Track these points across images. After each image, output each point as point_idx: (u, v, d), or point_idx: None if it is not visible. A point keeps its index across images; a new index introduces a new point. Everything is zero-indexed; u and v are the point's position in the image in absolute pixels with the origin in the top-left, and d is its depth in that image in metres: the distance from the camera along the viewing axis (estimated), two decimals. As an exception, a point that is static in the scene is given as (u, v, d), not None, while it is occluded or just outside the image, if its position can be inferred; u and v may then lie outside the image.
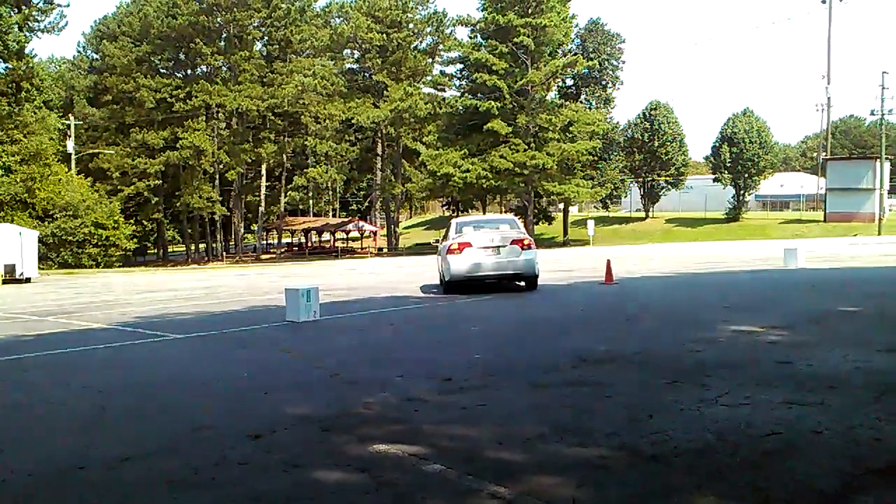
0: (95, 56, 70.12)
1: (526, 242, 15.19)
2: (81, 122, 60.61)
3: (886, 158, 58.62)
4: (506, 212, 69.45)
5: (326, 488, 3.77)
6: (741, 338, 7.97)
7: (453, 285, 15.40)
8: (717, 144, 61.44)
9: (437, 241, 17.85)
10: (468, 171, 53.67)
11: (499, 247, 15.05)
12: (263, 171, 66.94)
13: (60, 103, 65.46)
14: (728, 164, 59.99)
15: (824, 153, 69.81)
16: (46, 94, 61.01)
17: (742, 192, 61.82)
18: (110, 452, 4.58)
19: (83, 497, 3.83)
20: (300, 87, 60.53)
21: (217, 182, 63.42)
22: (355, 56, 69.21)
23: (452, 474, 3.85)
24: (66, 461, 4.43)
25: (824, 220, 57.06)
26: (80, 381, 7.24)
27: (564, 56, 58.90)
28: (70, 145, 55.25)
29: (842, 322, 8.93)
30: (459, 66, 64.63)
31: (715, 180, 62.90)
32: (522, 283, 15.99)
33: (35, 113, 50.21)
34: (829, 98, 66.19)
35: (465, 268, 14.99)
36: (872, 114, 57.89)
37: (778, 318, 9.25)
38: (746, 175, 60.24)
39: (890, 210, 60.46)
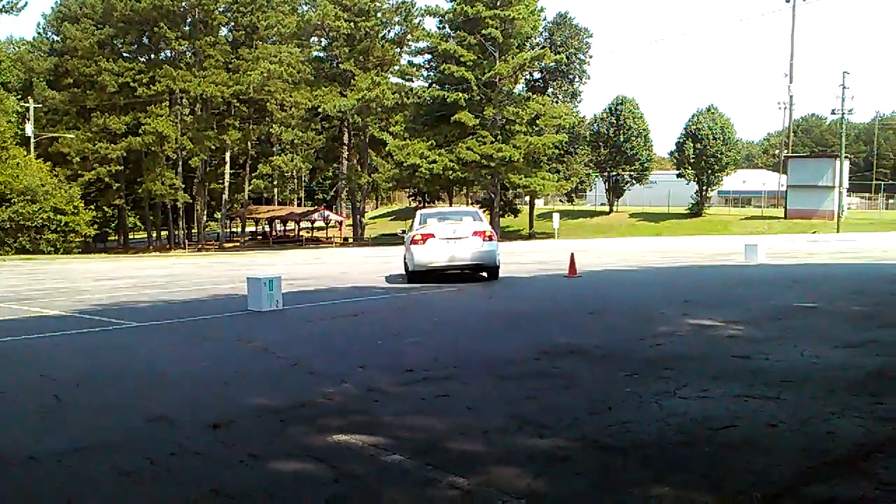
0: (56, 38, 68.61)
1: (487, 234, 15.72)
2: (41, 105, 59.31)
3: (846, 157, 59.73)
4: (472, 204, 69.57)
5: (285, 479, 3.74)
6: (700, 332, 8.08)
7: (416, 275, 15.88)
8: (682, 140, 62.02)
9: (404, 231, 18.06)
10: (435, 162, 53.59)
11: (460, 238, 15.56)
12: (227, 159, 66.18)
13: (19, 85, 63.98)
14: (692, 160, 60.61)
15: (786, 151, 70.99)
16: (5, 76, 59.66)
17: (705, 187, 62.53)
18: (63, 443, 4.50)
19: (34, 488, 3.75)
20: (266, 74, 59.83)
21: (180, 169, 62.52)
22: (322, 44, 68.60)
23: (412, 465, 3.85)
24: (17, 452, 4.33)
25: (785, 217, 57.99)
26: (34, 370, 7.09)
27: (532, 49, 59.07)
28: (29, 128, 54.07)
29: (799, 318, 9.08)
30: (427, 56, 64.39)
31: (679, 176, 63.52)
32: (485, 274, 16.33)
33: (-8, 95, 49.09)
34: (791, 97, 67.29)
35: (428, 258, 15.55)
36: (833, 113, 58.92)
37: (737, 312, 9.38)
38: (710, 171, 60.90)
39: (848, 208, 61.66)
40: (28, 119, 54.67)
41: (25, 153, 51.57)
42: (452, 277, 16.41)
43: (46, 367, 7.22)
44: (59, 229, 47.45)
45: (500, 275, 16.64)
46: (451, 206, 63.45)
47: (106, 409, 5.39)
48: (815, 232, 48.48)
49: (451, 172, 53.88)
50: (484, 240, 15.63)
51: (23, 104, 55.71)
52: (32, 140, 54.15)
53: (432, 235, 15.64)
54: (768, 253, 21.22)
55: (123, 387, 6.18)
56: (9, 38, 78.41)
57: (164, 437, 4.55)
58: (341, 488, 3.58)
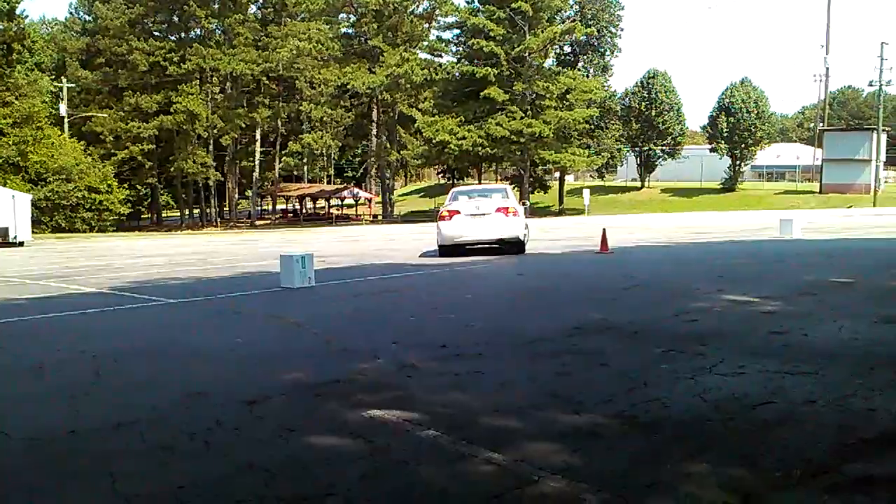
0: (88, 18, 69.22)
1: (511, 210, 16.43)
2: (74, 85, 59.98)
3: (883, 130, 58.55)
4: (501, 180, 69.33)
5: (320, 454, 3.77)
6: (736, 308, 7.98)
7: (446, 249, 16.79)
8: (715, 114, 61.18)
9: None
10: (464, 138, 53.42)
11: (484, 214, 16.37)
12: (258, 137, 66.50)
13: (52, 65, 64.76)
14: (725, 134, 59.80)
15: (821, 124, 69.71)
16: (38, 56, 60.43)
17: (738, 162, 61.74)
18: (103, 418, 4.57)
19: (75, 461, 3.82)
20: (295, 52, 59.87)
21: (211, 147, 62.96)
22: (351, 20, 68.48)
23: (447, 440, 3.86)
24: (59, 426, 4.41)
25: (820, 192, 57.13)
26: (72, 346, 7.21)
27: (563, 23, 58.38)
28: (63, 108, 54.76)
29: (836, 293, 8.94)
30: (456, 31, 64.10)
31: (711, 150, 62.77)
32: (516, 250, 16.77)
33: (27, 75, 49.80)
34: (827, 69, 66.15)
35: (453, 233, 16.48)
36: (870, 85, 57.76)
37: (773, 288, 9.27)
38: (743, 145, 60.11)
39: (885, 182, 60.51)
40: (62, 99, 55.37)
41: (60, 133, 52.27)
42: (485, 252, 16.82)
43: (85, 343, 7.34)
44: (93, 208, 48.19)
45: (532, 251, 17.08)
46: (479, 182, 63.36)
47: (143, 385, 5.47)
48: (850, 206, 47.69)
49: (480, 149, 53.68)
50: (507, 216, 16.33)
51: (56, 84, 56.36)
52: (66, 120, 54.84)
53: (458, 212, 16.49)
54: (803, 228, 20.93)
55: (160, 363, 6.27)
56: (42, 18, 79.43)
57: (201, 412, 4.61)
58: (376, 463, 3.60)
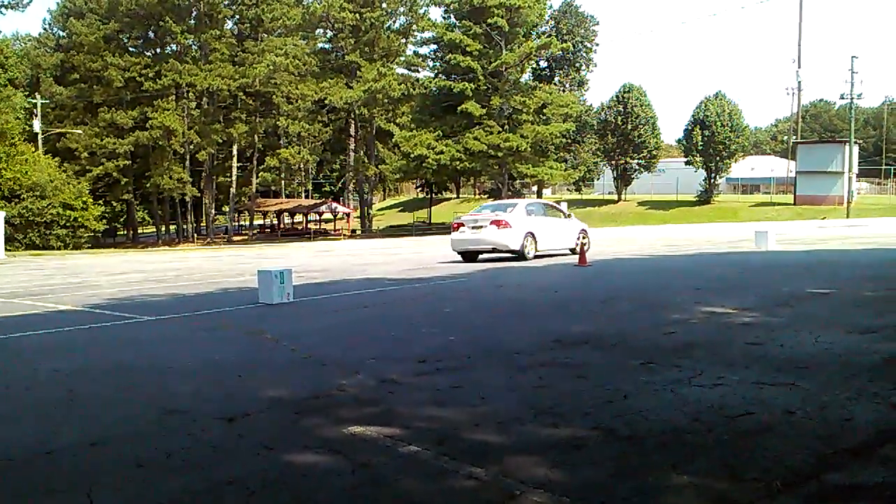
0: (62, 33, 68.83)
1: (503, 223, 18.58)
2: (48, 101, 59.49)
3: (855, 142, 59.41)
4: (480, 194, 69.50)
5: (301, 471, 3.74)
6: (713, 319, 8.03)
7: (460, 255, 19.70)
8: (690, 127, 61.71)
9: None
10: (442, 152, 53.52)
11: (480, 227, 18.86)
12: (235, 152, 66.26)
13: (26, 81, 64.18)
14: (700, 147, 60.31)
15: (794, 137, 70.62)
16: (12, 72, 59.70)
17: (713, 175, 62.26)
18: (79, 437, 4.51)
19: (52, 481, 3.76)
20: (272, 67, 59.80)
21: (187, 163, 62.63)
22: (328, 36, 68.51)
23: (428, 455, 3.84)
24: (34, 446, 4.34)
25: (794, 203, 57.74)
26: (47, 365, 7.10)
27: (538, 38, 58.82)
28: (36, 124, 54.22)
29: (812, 304, 9.03)
30: (433, 46, 64.33)
31: (687, 163, 63.24)
32: (515, 257, 18.89)
33: (0, 91, 49.17)
34: (799, 82, 67.14)
35: (458, 241, 19.44)
36: (842, 98, 58.47)
37: (749, 299, 9.34)
38: (718, 158, 60.63)
39: (858, 193, 61.34)
40: (35, 115, 54.82)
41: (34, 149, 51.71)
42: (469, 266, 17.54)
43: (61, 361, 7.24)
44: (68, 224, 47.63)
45: (511, 265, 17.66)
46: (457, 196, 63.55)
47: (120, 403, 5.40)
48: (824, 218, 48.28)
49: (458, 163, 53.82)
50: (499, 228, 18.51)
51: (30, 100, 55.83)
52: (40, 136, 54.30)
53: (463, 224, 19.34)
54: (778, 239, 21.14)
55: (137, 380, 6.19)
56: (14, 34, 78.63)
57: (180, 430, 4.56)
58: (358, 479, 3.57)
